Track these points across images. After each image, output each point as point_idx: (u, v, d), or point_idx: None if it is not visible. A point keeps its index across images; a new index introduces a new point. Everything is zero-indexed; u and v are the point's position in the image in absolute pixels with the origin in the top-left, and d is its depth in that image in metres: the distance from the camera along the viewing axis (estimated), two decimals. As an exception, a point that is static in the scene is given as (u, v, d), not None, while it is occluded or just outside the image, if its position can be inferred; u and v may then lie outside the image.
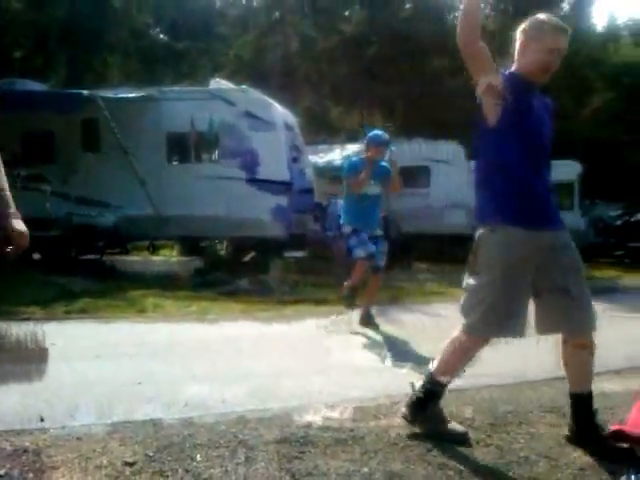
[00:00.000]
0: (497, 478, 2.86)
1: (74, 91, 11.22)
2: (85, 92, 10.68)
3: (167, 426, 3.40)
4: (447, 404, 3.84)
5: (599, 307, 9.19)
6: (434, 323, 7.00)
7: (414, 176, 15.72)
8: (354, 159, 6.82)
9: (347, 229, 6.57)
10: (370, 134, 6.62)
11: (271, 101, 11.89)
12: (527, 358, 5.27)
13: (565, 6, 24.79)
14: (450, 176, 15.10)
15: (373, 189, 6.54)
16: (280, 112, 12.14)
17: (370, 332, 6.25)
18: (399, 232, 13.39)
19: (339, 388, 4.16)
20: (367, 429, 3.41)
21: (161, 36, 33.98)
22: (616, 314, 8.10)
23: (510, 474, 2.90)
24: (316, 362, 4.94)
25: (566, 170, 17.52)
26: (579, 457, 3.11)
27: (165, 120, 11.60)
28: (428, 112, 20.70)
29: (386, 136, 6.59)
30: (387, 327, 6.74)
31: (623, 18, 48.37)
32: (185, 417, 3.55)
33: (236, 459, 2.99)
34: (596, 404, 3.99)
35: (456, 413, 3.69)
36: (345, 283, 6.72)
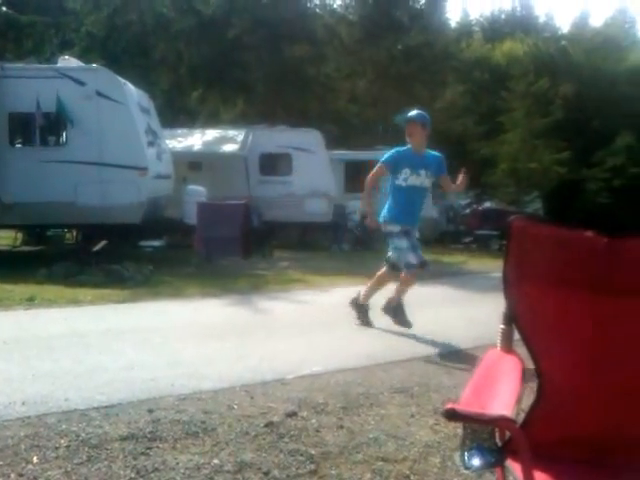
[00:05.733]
0: (347, 460, 2.89)
1: None
2: None
3: (1, 427, 3.14)
4: (300, 390, 3.85)
5: (448, 290, 9.57)
6: (293, 309, 7.05)
7: (276, 164, 15.74)
8: (401, 149, 5.61)
9: (394, 228, 5.46)
10: (413, 113, 5.57)
11: (124, 81, 11.33)
12: (381, 340, 5.43)
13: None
14: (311, 164, 15.18)
15: (424, 180, 5.54)
16: (134, 93, 11.62)
17: (227, 321, 6.15)
18: (261, 220, 13.35)
19: (191, 380, 4.04)
20: (219, 420, 3.33)
21: (3, 8, 31.55)
22: (462, 297, 8.55)
23: (360, 456, 2.94)
24: (167, 354, 4.77)
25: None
26: (425, 435, 3.23)
27: (7, 99, 10.72)
28: (287, 99, 20.73)
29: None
30: (246, 316, 6.69)
31: (475, 14, 51.43)
32: (22, 417, 3.30)
33: (77, 459, 2.82)
34: (444, 383, 4.18)
35: (309, 399, 3.70)
36: (386, 302, 5.71)
